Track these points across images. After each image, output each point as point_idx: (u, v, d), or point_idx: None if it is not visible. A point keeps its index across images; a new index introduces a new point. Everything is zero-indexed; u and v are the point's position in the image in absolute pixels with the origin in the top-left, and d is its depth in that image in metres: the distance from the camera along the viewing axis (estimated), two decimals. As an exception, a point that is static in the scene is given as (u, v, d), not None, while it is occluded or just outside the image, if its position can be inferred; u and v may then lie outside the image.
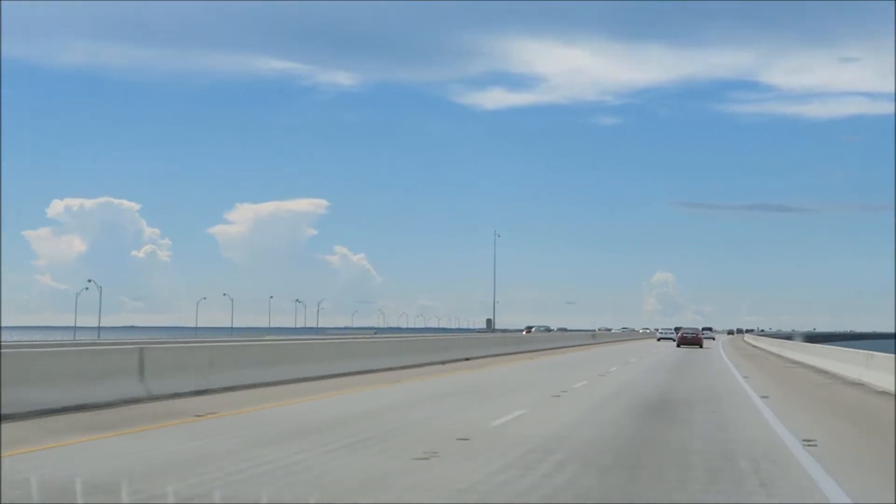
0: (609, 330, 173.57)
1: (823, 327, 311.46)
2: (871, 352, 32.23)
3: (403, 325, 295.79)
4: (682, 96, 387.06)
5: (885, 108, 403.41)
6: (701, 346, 79.14)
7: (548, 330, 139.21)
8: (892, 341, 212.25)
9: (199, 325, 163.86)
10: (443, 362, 40.20)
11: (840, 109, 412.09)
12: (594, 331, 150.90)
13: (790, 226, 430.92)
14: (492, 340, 53.74)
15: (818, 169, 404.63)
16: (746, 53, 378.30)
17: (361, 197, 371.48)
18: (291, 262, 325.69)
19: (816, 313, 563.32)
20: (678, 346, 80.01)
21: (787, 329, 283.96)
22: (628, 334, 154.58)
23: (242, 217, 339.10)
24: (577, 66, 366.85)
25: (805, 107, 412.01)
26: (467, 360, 43.89)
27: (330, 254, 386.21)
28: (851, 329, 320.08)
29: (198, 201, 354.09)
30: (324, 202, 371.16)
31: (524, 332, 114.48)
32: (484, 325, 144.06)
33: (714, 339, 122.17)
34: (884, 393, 27.42)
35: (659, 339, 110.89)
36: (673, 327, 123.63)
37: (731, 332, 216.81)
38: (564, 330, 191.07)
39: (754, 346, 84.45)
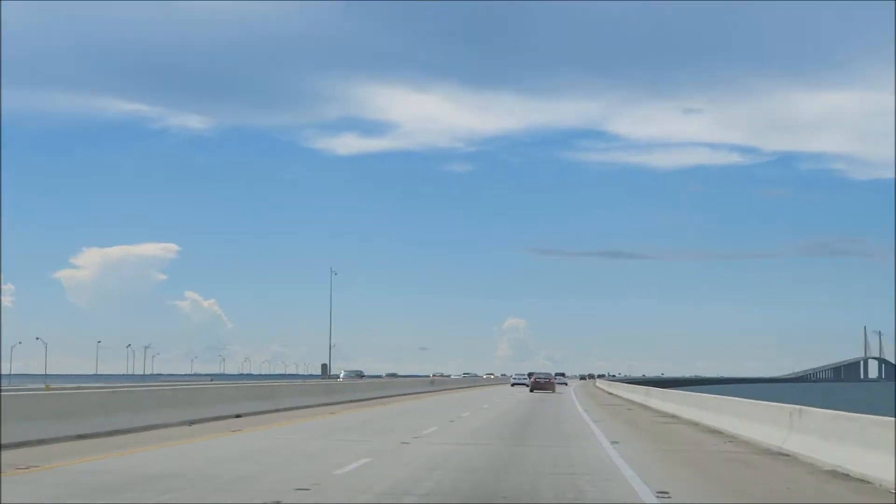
0: (447, 376, 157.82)
1: (670, 372, 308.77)
2: (798, 406, 21.49)
3: (248, 372, 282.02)
4: (531, 144, 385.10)
5: (726, 158, 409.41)
6: (553, 391, 80.00)
7: (360, 376, 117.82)
8: (738, 386, 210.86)
9: (12, 373, 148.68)
10: (190, 422, 28.03)
11: (684, 159, 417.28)
12: (429, 376, 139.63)
13: (636, 272, 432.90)
14: (290, 390, 41.64)
15: (664, 217, 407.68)
16: (594, 103, 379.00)
17: (213, 241, 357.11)
18: (140, 307, 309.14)
19: (662, 359, 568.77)
20: (531, 390, 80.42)
21: (636, 374, 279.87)
22: (472, 380, 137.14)
23: (89, 261, 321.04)
24: (429, 113, 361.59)
25: (650, 156, 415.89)
26: (238, 416, 31.89)
27: (180, 299, 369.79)
28: (696, 374, 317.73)
29: (43, 245, 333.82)
30: (174, 246, 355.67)
31: (340, 378, 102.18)
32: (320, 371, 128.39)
33: (566, 384, 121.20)
34: (849, 477, 16.66)
35: (513, 385, 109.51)
36: (526, 373, 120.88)
37: (583, 378, 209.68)
38: (394, 376, 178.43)
39: (610, 394, 73.91)
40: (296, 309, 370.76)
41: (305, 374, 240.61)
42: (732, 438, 25.32)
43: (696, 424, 31.55)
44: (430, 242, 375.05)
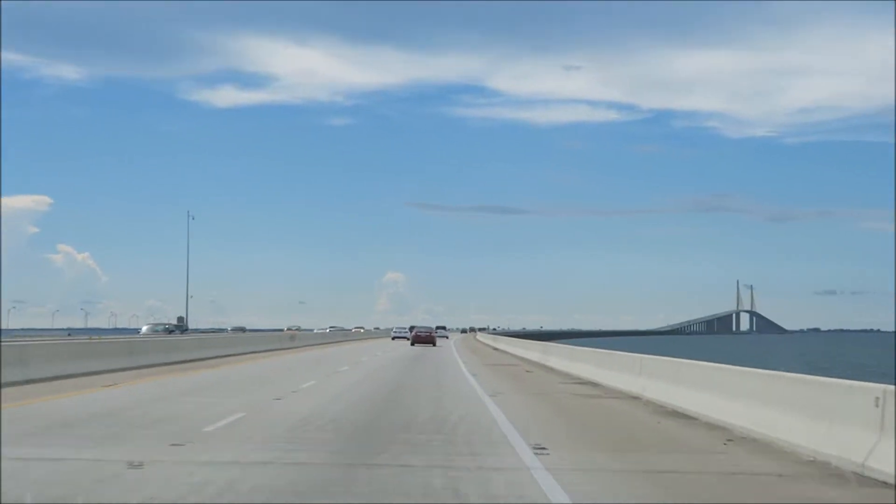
0: (309, 330, 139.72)
1: (548, 325, 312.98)
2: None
3: (123, 326, 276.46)
4: (412, 99, 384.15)
5: (605, 115, 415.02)
6: (434, 344, 79.80)
7: (170, 330, 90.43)
8: (614, 339, 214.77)
9: None
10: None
11: (564, 116, 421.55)
12: (283, 330, 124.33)
13: (516, 227, 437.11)
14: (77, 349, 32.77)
15: (543, 173, 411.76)
16: (475, 59, 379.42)
17: (88, 194, 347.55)
18: (11, 260, 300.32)
19: (540, 312, 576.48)
20: (412, 344, 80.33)
21: (516, 327, 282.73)
22: (340, 334, 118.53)
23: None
24: (309, 67, 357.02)
25: (530, 112, 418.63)
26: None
27: (53, 252, 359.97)
28: (573, 327, 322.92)
29: None
30: (47, 199, 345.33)
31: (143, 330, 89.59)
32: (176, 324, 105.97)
33: (447, 337, 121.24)
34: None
35: (393, 338, 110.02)
36: (407, 326, 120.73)
37: (464, 331, 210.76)
38: (242, 330, 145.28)
39: (496, 349, 71.72)
40: (174, 263, 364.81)
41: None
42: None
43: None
44: (309, 196, 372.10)
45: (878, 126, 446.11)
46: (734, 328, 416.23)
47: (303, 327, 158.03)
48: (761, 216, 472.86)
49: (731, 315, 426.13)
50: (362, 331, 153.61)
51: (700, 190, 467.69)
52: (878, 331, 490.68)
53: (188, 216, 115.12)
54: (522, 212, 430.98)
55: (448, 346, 79.85)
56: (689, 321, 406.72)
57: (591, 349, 34.65)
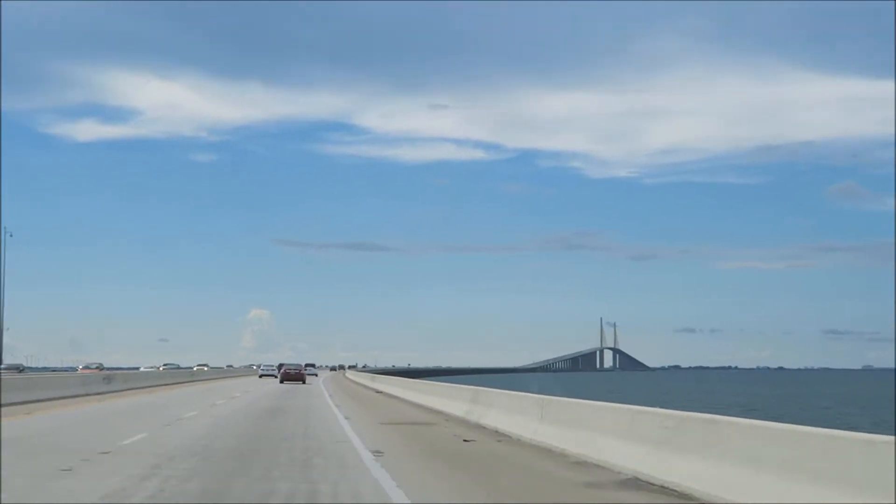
0: (134, 368, 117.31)
1: (415, 363, 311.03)
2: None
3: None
4: (278, 135, 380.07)
5: (470, 153, 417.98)
6: (304, 382, 78.27)
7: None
8: (483, 376, 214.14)
9: None
10: None
11: (430, 154, 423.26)
12: (78, 369, 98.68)
13: (382, 264, 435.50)
14: None
15: (409, 210, 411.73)
16: (342, 96, 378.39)
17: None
18: None
19: (407, 349, 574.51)
20: (281, 382, 78.44)
21: (384, 364, 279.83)
22: (185, 374, 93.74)
23: None
24: (173, 101, 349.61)
25: (397, 150, 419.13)
26: None
27: None
28: (438, 364, 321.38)
29: None
30: None
31: None
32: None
33: (317, 374, 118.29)
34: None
35: (261, 376, 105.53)
36: (276, 364, 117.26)
37: (333, 369, 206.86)
38: (18, 369, 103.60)
39: (378, 392, 63.01)
40: (28, 299, 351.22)
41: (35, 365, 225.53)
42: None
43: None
44: (174, 232, 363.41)
45: (734, 167, 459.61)
46: (598, 365, 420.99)
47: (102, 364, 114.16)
48: (624, 254, 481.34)
49: (595, 352, 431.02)
50: (206, 369, 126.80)
51: (564, 228, 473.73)
52: (737, 367, 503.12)
53: (4, 233, 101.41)
54: (389, 249, 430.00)
55: (317, 387, 74.58)
56: (554, 358, 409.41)
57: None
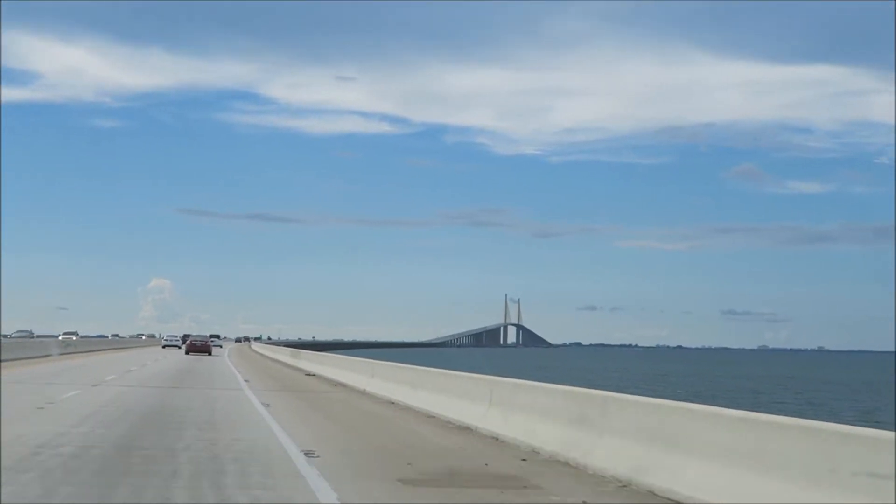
0: None
1: (321, 335, 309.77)
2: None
3: None
4: (183, 103, 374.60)
5: (378, 127, 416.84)
6: (210, 354, 77.36)
7: None
8: (388, 350, 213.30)
9: None
10: None
11: (336, 126, 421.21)
12: None
13: (287, 235, 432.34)
14: None
15: (316, 182, 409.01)
16: (248, 66, 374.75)
17: None
18: None
19: (311, 322, 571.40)
20: (187, 353, 77.34)
21: (288, 337, 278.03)
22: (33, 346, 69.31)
23: None
24: (75, 66, 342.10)
25: (303, 121, 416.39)
26: None
27: None
28: (340, 338, 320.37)
29: None
30: None
31: None
32: None
33: (221, 346, 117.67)
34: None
35: (164, 346, 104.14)
36: (180, 335, 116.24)
37: (238, 340, 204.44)
38: None
39: (309, 374, 46.95)
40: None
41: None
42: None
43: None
44: (72, 199, 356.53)
45: (637, 147, 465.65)
46: (502, 341, 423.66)
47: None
48: (528, 231, 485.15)
49: (500, 328, 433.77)
50: (74, 338, 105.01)
51: (471, 204, 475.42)
52: (637, 346, 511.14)
53: None
54: (294, 220, 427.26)
55: (223, 362, 71.02)
56: (458, 334, 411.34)
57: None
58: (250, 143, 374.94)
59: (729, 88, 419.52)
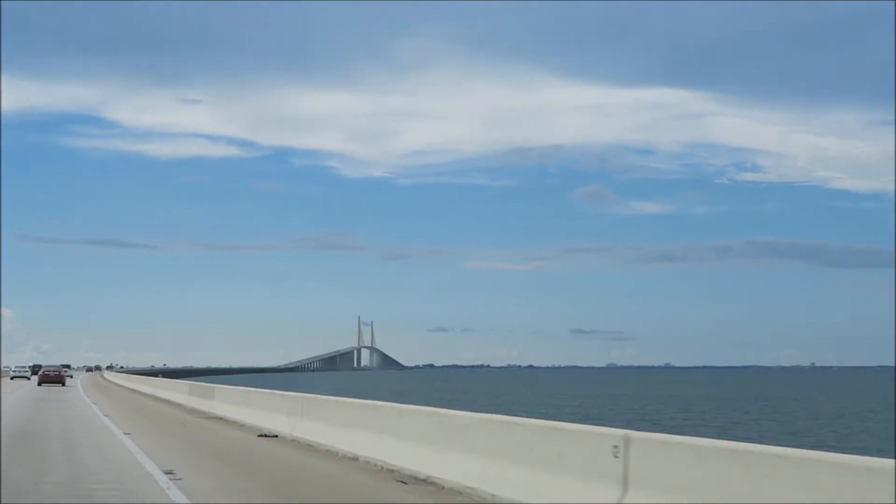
0: None
1: (171, 363, 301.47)
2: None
3: None
4: (23, 126, 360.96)
5: (225, 150, 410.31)
6: (63, 384, 74.94)
7: None
8: (242, 376, 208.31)
9: None
10: None
11: (183, 149, 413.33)
12: None
13: (134, 262, 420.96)
14: None
15: (162, 206, 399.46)
16: (91, 88, 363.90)
17: None
18: None
19: (159, 349, 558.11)
20: (39, 384, 75.10)
21: (137, 365, 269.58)
22: None
23: None
24: None
25: (149, 144, 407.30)
26: None
27: None
28: (190, 365, 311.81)
29: None
30: None
31: None
32: None
33: (72, 376, 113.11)
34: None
35: (13, 378, 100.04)
36: (29, 365, 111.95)
37: (90, 369, 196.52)
38: None
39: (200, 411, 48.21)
40: None
41: None
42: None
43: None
44: None
45: (486, 169, 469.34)
46: (356, 364, 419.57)
47: None
48: (378, 254, 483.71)
49: (353, 351, 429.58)
50: None
51: (320, 227, 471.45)
52: (489, 366, 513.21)
53: None
54: (140, 245, 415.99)
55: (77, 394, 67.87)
56: (311, 358, 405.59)
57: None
58: (94, 168, 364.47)
59: (576, 111, 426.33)
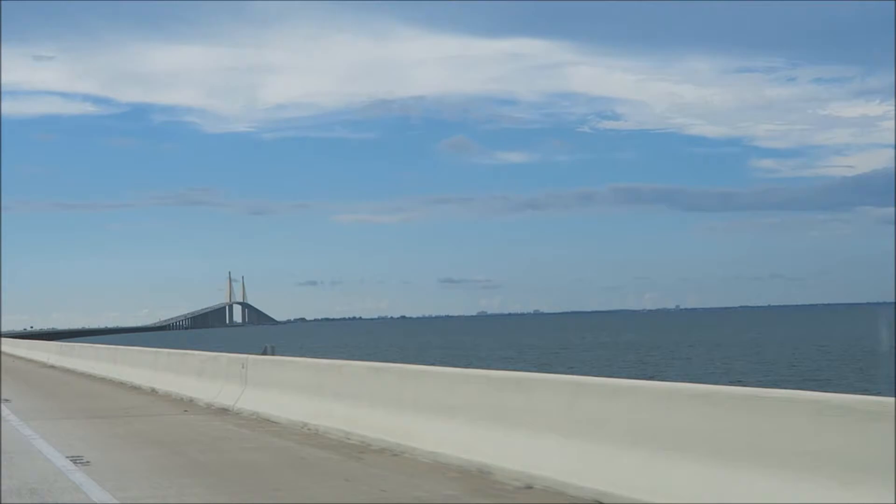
0: None
1: (26, 325, 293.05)
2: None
3: None
4: None
5: (81, 108, 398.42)
6: None
7: None
8: (107, 336, 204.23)
9: None
10: None
11: (35, 108, 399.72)
12: None
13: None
14: None
15: (12, 167, 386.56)
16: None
17: None
18: None
19: (12, 312, 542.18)
20: None
21: (6, 328, 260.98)
22: None
23: None
24: None
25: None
26: None
27: None
28: (56, 327, 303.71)
29: None
30: None
31: None
32: None
33: None
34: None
35: None
36: None
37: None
38: None
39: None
40: None
41: None
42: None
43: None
44: None
45: (348, 122, 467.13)
46: (228, 320, 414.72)
47: None
48: (243, 209, 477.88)
49: (224, 308, 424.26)
50: None
51: (180, 184, 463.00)
52: (360, 318, 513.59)
53: None
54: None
55: None
56: (179, 316, 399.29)
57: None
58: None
59: (437, 62, 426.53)
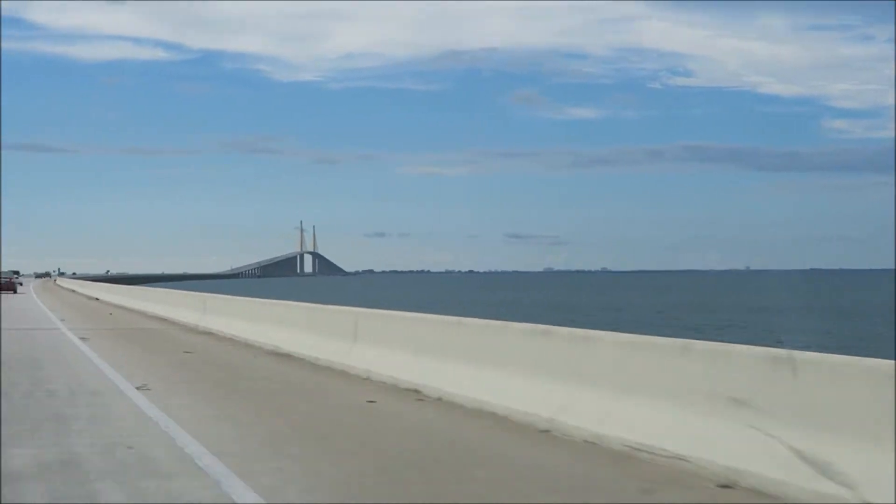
0: None
1: (114, 269, 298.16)
2: None
3: None
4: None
5: (152, 53, 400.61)
6: (15, 291, 73.54)
7: None
8: (188, 282, 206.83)
9: None
10: None
11: (107, 52, 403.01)
12: None
13: (58, 166, 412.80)
14: None
15: (88, 110, 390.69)
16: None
17: None
18: None
19: (86, 256, 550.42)
20: None
21: (86, 272, 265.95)
22: None
23: None
24: None
25: (72, 47, 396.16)
26: None
27: None
28: (125, 272, 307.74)
29: None
30: None
31: None
32: None
33: (21, 283, 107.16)
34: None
35: None
36: None
37: (39, 276, 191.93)
38: None
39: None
40: None
41: None
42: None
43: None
44: None
45: (417, 73, 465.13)
46: (298, 270, 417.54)
47: None
48: (309, 158, 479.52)
49: (295, 257, 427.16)
50: None
51: (248, 132, 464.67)
52: (429, 271, 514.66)
53: None
54: (62, 150, 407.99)
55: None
56: (251, 264, 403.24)
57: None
58: (15, 70, 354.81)
59: (508, 14, 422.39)
